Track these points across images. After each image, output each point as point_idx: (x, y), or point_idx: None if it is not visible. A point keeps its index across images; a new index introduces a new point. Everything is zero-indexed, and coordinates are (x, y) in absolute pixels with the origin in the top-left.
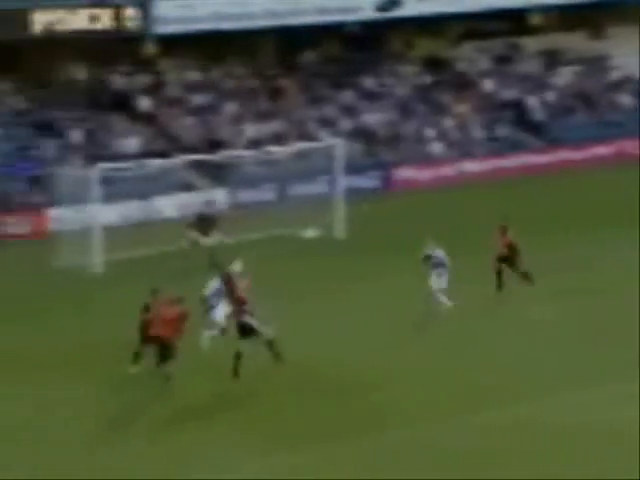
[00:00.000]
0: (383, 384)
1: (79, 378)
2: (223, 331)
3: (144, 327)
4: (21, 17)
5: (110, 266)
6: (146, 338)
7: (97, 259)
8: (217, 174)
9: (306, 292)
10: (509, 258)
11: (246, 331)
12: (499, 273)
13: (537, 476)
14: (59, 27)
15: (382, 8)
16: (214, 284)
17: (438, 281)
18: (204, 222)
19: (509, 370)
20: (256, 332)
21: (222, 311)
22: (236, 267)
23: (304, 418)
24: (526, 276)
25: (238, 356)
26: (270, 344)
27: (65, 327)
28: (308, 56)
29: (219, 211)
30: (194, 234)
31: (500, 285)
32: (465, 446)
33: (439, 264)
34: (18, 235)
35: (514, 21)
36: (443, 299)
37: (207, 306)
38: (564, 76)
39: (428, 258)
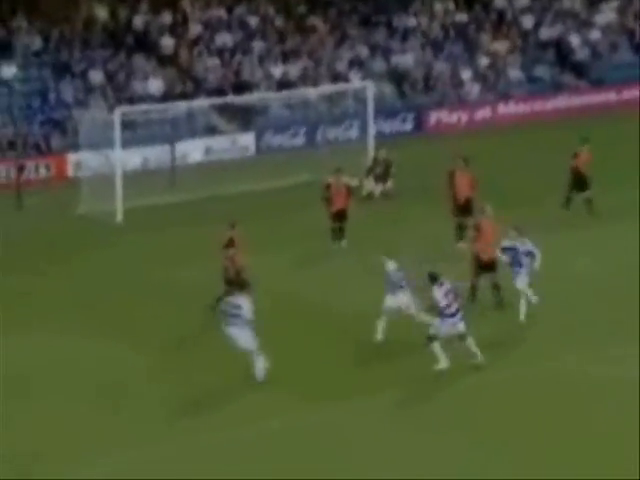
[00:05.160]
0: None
1: (101, 323)
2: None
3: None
4: None
5: (133, 213)
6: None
7: (119, 206)
8: (243, 117)
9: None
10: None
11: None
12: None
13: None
14: None
15: None
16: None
17: None
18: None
19: (552, 324)
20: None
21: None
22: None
23: (328, 375)
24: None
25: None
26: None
27: (87, 275)
28: None
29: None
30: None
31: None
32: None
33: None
34: (37, 181)
35: None
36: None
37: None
38: (607, 13)
39: None
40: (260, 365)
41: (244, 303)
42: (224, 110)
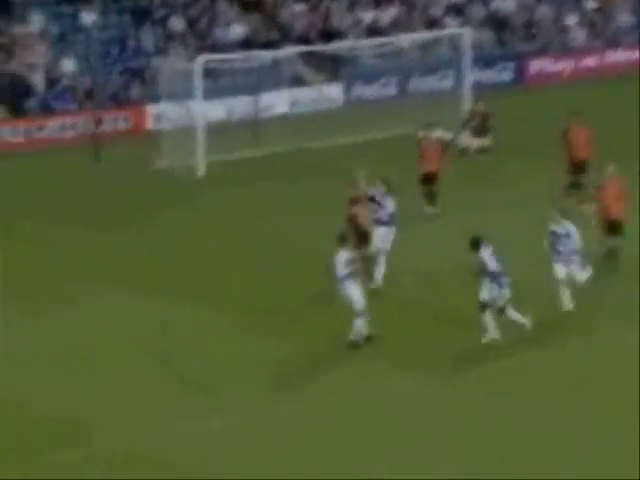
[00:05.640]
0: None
1: (182, 282)
2: None
3: None
4: None
5: (215, 167)
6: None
7: (201, 159)
8: (331, 67)
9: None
10: None
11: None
12: None
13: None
14: None
15: None
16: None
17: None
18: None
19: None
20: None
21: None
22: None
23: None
24: None
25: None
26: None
27: (167, 232)
28: None
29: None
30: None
31: None
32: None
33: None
34: (114, 133)
35: None
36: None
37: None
38: None
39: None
40: (357, 327)
41: (340, 257)
42: (311, 59)
